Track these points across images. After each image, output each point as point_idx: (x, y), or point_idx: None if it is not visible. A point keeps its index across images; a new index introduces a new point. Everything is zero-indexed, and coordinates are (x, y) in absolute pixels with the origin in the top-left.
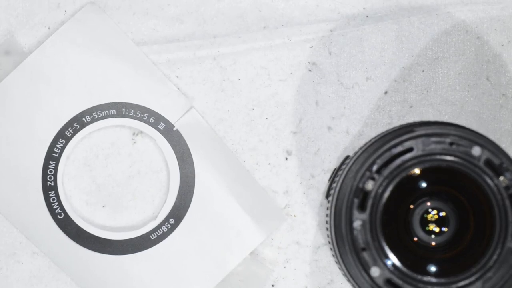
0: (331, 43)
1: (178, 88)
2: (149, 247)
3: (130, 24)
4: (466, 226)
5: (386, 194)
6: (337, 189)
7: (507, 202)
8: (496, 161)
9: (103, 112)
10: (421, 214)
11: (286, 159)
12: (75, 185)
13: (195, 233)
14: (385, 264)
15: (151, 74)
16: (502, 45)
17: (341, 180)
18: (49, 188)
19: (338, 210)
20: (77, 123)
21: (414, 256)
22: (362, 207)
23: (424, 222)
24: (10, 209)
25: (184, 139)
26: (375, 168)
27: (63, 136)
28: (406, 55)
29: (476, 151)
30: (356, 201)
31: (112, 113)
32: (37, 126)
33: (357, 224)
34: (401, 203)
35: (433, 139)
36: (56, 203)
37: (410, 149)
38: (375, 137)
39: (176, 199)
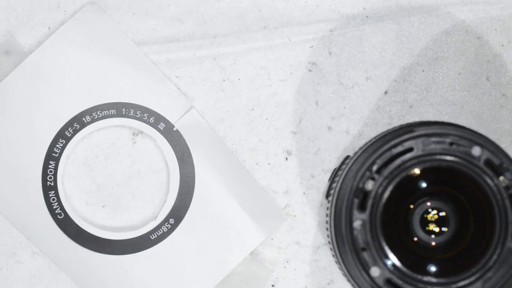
0: (331, 43)
1: (178, 88)
2: (149, 247)
3: (130, 24)
4: (466, 226)
5: (386, 194)
6: (337, 189)
7: (507, 202)
8: (496, 161)
9: (103, 112)
10: (421, 214)
11: (286, 159)
12: (75, 185)
13: (195, 233)
14: (385, 264)
15: (151, 74)
16: (502, 45)
17: (341, 180)
18: (49, 188)
19: (338, 210)
20: (77, 123)
21: (414, 256)
22: (362, 207)
23: (424, 222)
24: (10, 209)
25: (184, 139)
26: (375, 168)
27: (63, 136)
28: (406, 55)
29: (476, 151)
30: (356, 201)
31: (112, 113)
32: (37, 126)
33: (357, 224)
34: (401, 203)
35: (433, 139)
36: (56, 203)
37: (410, 149)
38: (375, 137)
39: (176, 199)
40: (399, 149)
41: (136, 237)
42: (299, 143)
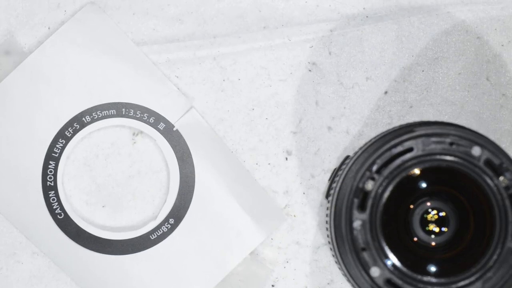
0: (331, 43)
1: (178, 88)
2: (149, 247)
3: (130, 24)
4: (466, 226)
5: (386, 194)
6: (337, 189)
7: (507, 202)
8: (496, 161)
9: (103, 112)
10: (421, 214)
11: (286, 159)
12: (75, 185)
13: (195, 233)
14: (385, 264)
15: (151, 74)
16: (502, 45)
17: (341, 180)
18: (49, 188)
19: (338, 210)
20: (77, 123)
21: (414, 256)
22: (362, 207)
23: (424, 222)
24: (10, 209)
25: (184, 139)
26: (375, 168)
27: (63, 136)
28: (406, 55)
29: (476, 151)
30: (356, 201)
31: (112, 113)
32: (37, 126)
33: (357, 224)
34: (401, 203)
35: (433, 139)
36: (56, 203)
37: (410, 149)
38: (375, 137)
39: (176, 199)
40: (399, 149)
41: (136, 237)
42: (299, 143)
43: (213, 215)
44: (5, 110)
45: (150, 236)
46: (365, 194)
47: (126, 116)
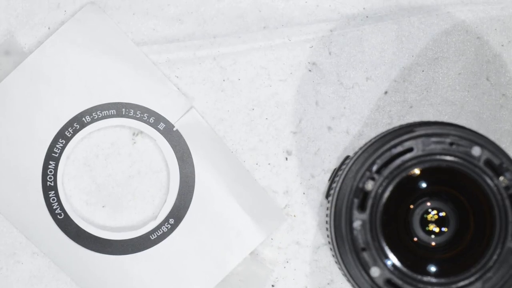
0: (331, 43)
1: (178, 88)
2: (149, 247)
3: (130, 24)
4: (466, 226)
5: (386, 194)
6: (337, 189)
7: (507, 202)
8: (496, 161)
9: (103, 112)
10: (421, 214)
11: (286, 159)
12: (75, 185)
13: (195, 233)
14: (385, 264)
15: (151, 74)
16: (502, 45)
17: (341, 180)
18: (49, 188)
19: (338, 210)
20: (77, 123)
21: (414, 256)
22: (362, 207)
23: (424, 222)
24: (10, 209)
25: (184, 139)
26: (375, 168)
27: (63, 136)
28: (406, 55)
29: (476, 151)
30: (356, 201)
31: (112, 113)
32: (37, 126)
33: (357, 224)
34: (401, 203)
35: (433, 139)
36: (56, 203)
37: (410, 149)
38: (375, 137)
39: (176, 199)
40: (399, 149)
41: (136, 237)
42: (299, 143)
43: (213, 215)
44: (5, 110)
45: (150, 236)
46: (365, 194)
47: (126, 116)
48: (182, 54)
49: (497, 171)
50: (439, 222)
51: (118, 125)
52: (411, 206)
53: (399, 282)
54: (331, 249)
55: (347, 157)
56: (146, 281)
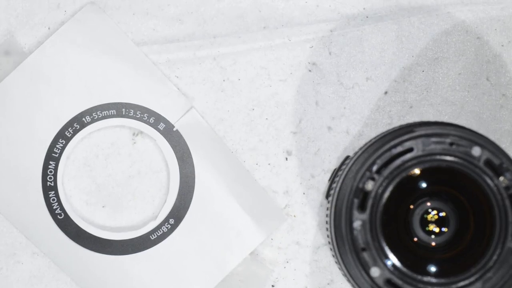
0: (331, 43)
1: (178, 88)
2: (149, 247)
3: (130, 24)
4: (466, 226)
5: (386, 194)
6: (337, 189)
7: (507, 202)
8: (496, 161)
9: (103, 112)
10: (421, 214)
11: (286, 159)
12: (75, 185)
13: (195, 233)
14: (385, 264)
15: (151, 74)
16: (502, 45)
17: (341, 180)
18: (49, 188)
19: (338, 210)
20: (77, 123)
21: (414, 256)
22: (362, 207)
23: (424, 222)
24: (10, 209)
25: (184, 139)
26: (375, 168)
27: (63, 136)
28: (406, 55)
29: (476, 151)
30: (356, 201)
31: (112, 113)
32: (37, 126)
33: (357, 224)
34: (401, 203)
35: (433, 139)
36: (56, 203)
37: (410, 149)
38: (375, 137)
39: (176, 199)
40: (399, 149)
41: (136, 237)
42: (299, 143)
43: (213, 215)
44: (5, 110)
45: (150, 236)
46: (365, 194)
47: (126, 116)
48: (182, 54)
49: (497, 171)
50: (439, 222)
51: (118, 125)
52: (411, 206)
53: (399, 282)
54: (331, 249)
55: (347, 157)
56: (146, 281)
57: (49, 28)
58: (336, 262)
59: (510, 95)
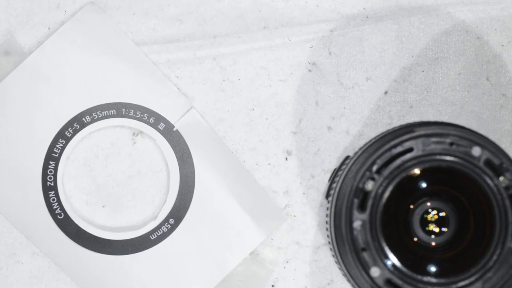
0: (331, 43)
1: (178, 88)
2: (149, 247)
3: (130, 24)
4: (466, 226)
5: (386, 194)
6: (337, 189)
7: (507, 202)
8: (496, 161)
9: (103, 112)
10: (421, 214)
11: (286, 159)
12: (75, 185)
13: (195, 233)
14: (385, 264)
15: (151, 74)
16: (502, 45)
17: (341, 180)
18: (49, 188)
19: (338, 210)
20: (77, 123)
21: (414, 256)
22: (362, 207)
23: (424, 222)
24: (10, 209)
25: (184, 139)
26: (375, 168)
27: (63, 136)
28: (406, 55)
29: (476, 151)
30: (356, 201)
31: (112, 113)
32: (37, 126)
33: (357, 224)
34: (401, 203)
35: (433, 139)
36: (56, 203)
37: (410, 149)
38: (375, 137)
39: (176, 199)
40: (399, 149)
41: (136, 237)
42: (299, 143)
43: (213, 215)
44: (5, 110)
45: (150, 236)
46: (365, 194)
47: (126, 116)
48: (182, 54)
49: (497, 171)
50: (439, 222)
51: (118, 125)
52: (411, 206)
53: (399, 282)
54: (331, 249)
55: (347, 157)
56: (146, 281)
57: (49, 28)
58: (336, 262)
59: (510, 95)
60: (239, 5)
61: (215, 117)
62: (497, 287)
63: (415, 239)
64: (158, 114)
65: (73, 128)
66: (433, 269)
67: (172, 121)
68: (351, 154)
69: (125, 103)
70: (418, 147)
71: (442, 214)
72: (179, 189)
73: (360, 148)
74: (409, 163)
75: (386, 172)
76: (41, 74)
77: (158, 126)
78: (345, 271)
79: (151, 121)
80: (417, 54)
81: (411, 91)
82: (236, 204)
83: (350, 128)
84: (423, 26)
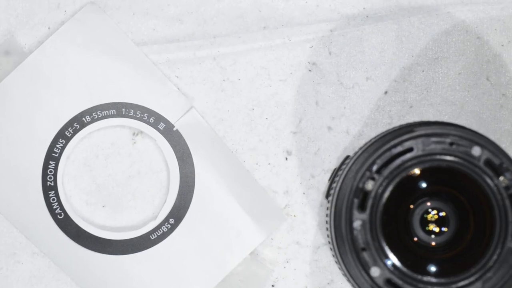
0: (331, 43)
1: (178, 88)
2: (149, 247)
3: (130, 24)
4: (466, 226)
5: (386, 194)
6: (337, 189)
7: (507, 202)
8: (496, 161)
9: (103, 112)
10: (421, 214)
11: (286, 159)
12: (75, 185)
13: (195, 233)
14: (385, 264)
15: (151, 74)
16: (502, 45)
17: (341, 180)
18: (49, 188)
19: (338, 210)
20: (77, 123)
21: (414, 256)
22: (362, 207)
23: (424, 222)
24: (10, 209)
25: (184, 139)
26: (375, 168)
27: (63, 136)
28: (406, 55)
29: (476, 151)
30: (356, 201)
31: (112, 113)
32: (37, 126)
33: (357, 224)
34: (401, 203)
35: (433, 139)
36: (56, 203)
37: (410, 149)
38: (375, 137)
39: (176, 199)
40: (399, 149)
41: (136, 237)
42: (299, 143)
43: (213, 215)
44: (5, 110)
45: (150, 236)
46: (365, 194)
47: (126, 116)
48: (182, 54)
49: (497, 171)
50: (439, 222)
51: (118, 125)
52: (411, 206)
53: (399, 282)
54: (331, 249)
55: (347, 157)
56: (146, 281)
57: (49, 28)
58: (336, 262)
59: (510, 95)
60: (239, 5)
61: (215, 117)
62: (497, 287)
63: (415, 239)
64: (158, 114)
65: (73, 128)
66: (433, 269)
67: (172, 121)
68: (351, 154)
69: (125, 103)
70: (418, 147)
71: (442, 214)
72: (179, 189)
73: (360, 148)
74: (409, 163)
75: (386, 172)
76: (41, 74)
77: (158, 126)
78: (345, 271)
79: (151, 121)
80: (417, 54)
81: (411, 91)
82: (236, 204)
83: (350, 128)
84: (423, 26)
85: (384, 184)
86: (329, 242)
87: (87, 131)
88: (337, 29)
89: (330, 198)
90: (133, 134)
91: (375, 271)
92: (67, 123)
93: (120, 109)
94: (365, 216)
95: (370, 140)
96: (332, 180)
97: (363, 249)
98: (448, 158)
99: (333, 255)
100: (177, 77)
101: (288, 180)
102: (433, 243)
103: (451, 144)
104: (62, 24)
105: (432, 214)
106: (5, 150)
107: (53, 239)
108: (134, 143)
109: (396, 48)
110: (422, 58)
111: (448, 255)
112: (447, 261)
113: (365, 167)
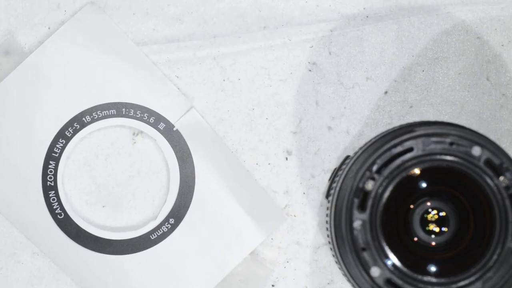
0: (331, 43)
1: (178, 88)
2: (149, 247)
3: (130, 24)
4: (466, 226)
5: (386, 194)
6: (337, 189)
7: (507, 202)
8: (496, 161)
9: (103, 112)
10: (421, 214)
11: (286, 159)
12: (75, 185)
13: (195, 233)
14: (385, 264)
15: (151, 74)
16: (502, 45)
17: (341, 180)
18: (49, 188)
19: (338, 210)
20: (77, 123)
21: (414, 256)
22: (362, 207)
23: (424, 222)
24: (10, 209)
25: (184, 139)
26: (375, 168)
27: (63, 136)
28: (406, 55)
29: (476, 151)
30: (356, 201)
31: (112, 113)
32: (37, 126)
33: (357, 224)
34: (401, 203)
35: (433, 139)
36: (56, 203)
37: (410, 149)
38: (375, 137)
39: (176, 199)
40: (399, 149)
41: (136, 237)
42: (299, 143)
43: (213, 215)
44: (5, 110)
45: (150, 236)
46: (365, 194)
47: (126, 116)
48: (182, 54)
49: (497, 171)
50: (439, 222)
51: (118, 125)
52: (411, 206)
53: (399, 282)
54: (331, 249)
55: (347, 157)
56: (146, 281)
57: (49, 28)
58: (336, 262)
59: (510, 95)
60: (239, 5)
61: (215, 117)
62: (497, 287)
63: (415, 239)
64: (158, 114)
65: (73, 128)
66: (433, 269)
67: (172, 121)
68: (351, 154)
69: (125, 103)
70: (418, 147)
71: (442, 214)
72: (179, 189)
73: (360, 148)
74: (409, 163)
75: (386, 172)
76: (41, 74)
77: (158, 126)
78: (345, 271)
79: (151, 121)
80: (417, 54)
81: (411, 91)
82: (236, 204)
83: (350, 128)
84: (423, 26)
85: (384, 184)
86: (329, 242)
87: (87, 131)
88: (337, 29)
89: (330, 198)
90: (133, 134)
91: (375, 271)
92: (67, 123)
93: (120, 109)
94: (365, 216)
95: (370, 140)
96: (332, 180)
97: (363, 249)
98: (448, 158)
99: (333, 255)
100: (177, 77)
101: (288, 180)
102: (433, 243)
103: (451, 144)
104: (62, 24)
105: (432, 214)
106: (5, 150)
107: (53, 239)
108: (134, 143)
109: (396, 48)
110: (422, 58)
111: (448, 255)
112: (447, 261)
113: (365, 167)
